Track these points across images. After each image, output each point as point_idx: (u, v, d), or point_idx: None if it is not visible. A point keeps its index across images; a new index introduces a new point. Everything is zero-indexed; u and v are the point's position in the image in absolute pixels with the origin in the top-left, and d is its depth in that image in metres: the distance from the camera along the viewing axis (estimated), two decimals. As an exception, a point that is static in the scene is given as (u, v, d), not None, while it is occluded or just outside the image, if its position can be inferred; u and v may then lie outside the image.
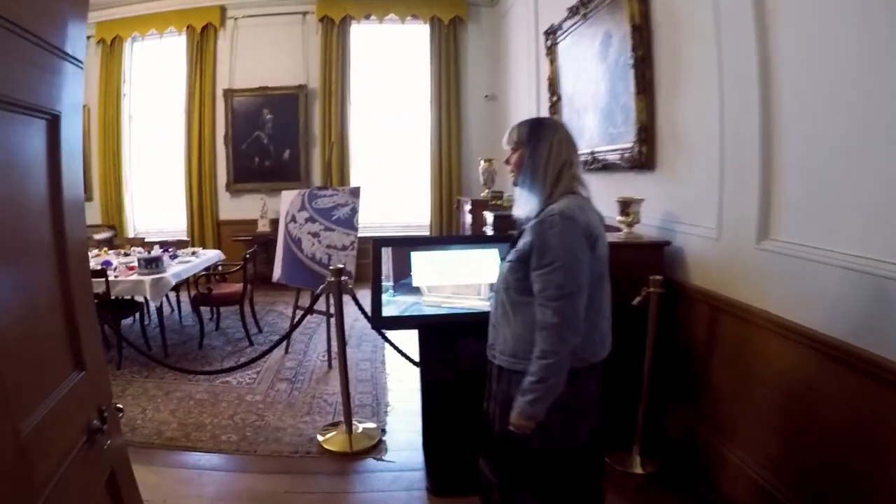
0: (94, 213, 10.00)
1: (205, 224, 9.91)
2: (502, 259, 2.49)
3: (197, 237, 9.86)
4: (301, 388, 5.20)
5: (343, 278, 3.76)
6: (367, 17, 9.70)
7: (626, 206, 4.17)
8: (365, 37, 9.98)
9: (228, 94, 9.75)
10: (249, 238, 9.31)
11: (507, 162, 2.49)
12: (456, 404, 3.36)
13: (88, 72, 9.00)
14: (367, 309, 3.53)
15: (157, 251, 6.86)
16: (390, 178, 10.24)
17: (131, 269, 5.97)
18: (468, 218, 7.99)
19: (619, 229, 4.22)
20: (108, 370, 5.51)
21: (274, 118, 9.80)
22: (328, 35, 9.57)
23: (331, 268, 3.82)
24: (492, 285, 3.27)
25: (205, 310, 6.77)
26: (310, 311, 4.19)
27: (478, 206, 7.71)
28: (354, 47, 9.83)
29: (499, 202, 7.09)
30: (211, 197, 9.87)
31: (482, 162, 8.48)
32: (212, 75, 9.76)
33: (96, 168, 10.01)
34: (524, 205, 2.45)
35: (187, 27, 9.68)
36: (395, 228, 10.11)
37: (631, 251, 3.96)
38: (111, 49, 9.77)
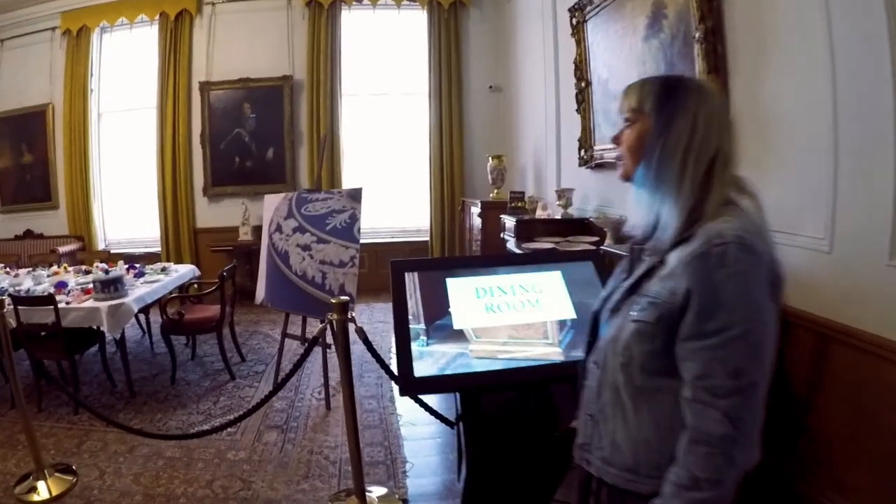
0: (59, 223, 9.23)
1: (180, 233, 8.96)
2: (611, 307, 1.58)
3: (172, 247, 8.93)
4: (295, 440, 4.23)
5: (350, 314, 2.79)
6: (360, 1, 8.77)
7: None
8: (357, 23, 9.02)
9: (205, 87, 8.80)
10: (230, 248, 8.41)
11: (617, 141, 1.58)
12: (511, 481, 2.47)
13: (53, 66, 8.19)
14: (381, 348, 2.65)
15: (119, 268, 5.94)
16: (385, 178, 9.23)
17: (88, 292, 5.02)
18: (476, 222, 7.10)
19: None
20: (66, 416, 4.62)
21: (256, 113, 8.82)
22: (316, 21, 8.63)
23: (332, 300, 2.82)
24: (565, 327, 2.40)
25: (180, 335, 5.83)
26: (308, 353, 3.20)
27: (489, 209, 6.83)
28: (345, 35, 8.87)
29: (520, 204, 6.18)
30: (186, 202, 8.92)
31: (490, 159, 7.62)
32: (187, 67, 8.83)
33: (61, 172, 9.15)
34: (642, 214, 1.56)
35: (160, 14, 8.74)
36: (391, 233, 9.25)
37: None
38: (77, 40, 8.86)
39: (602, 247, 3.76)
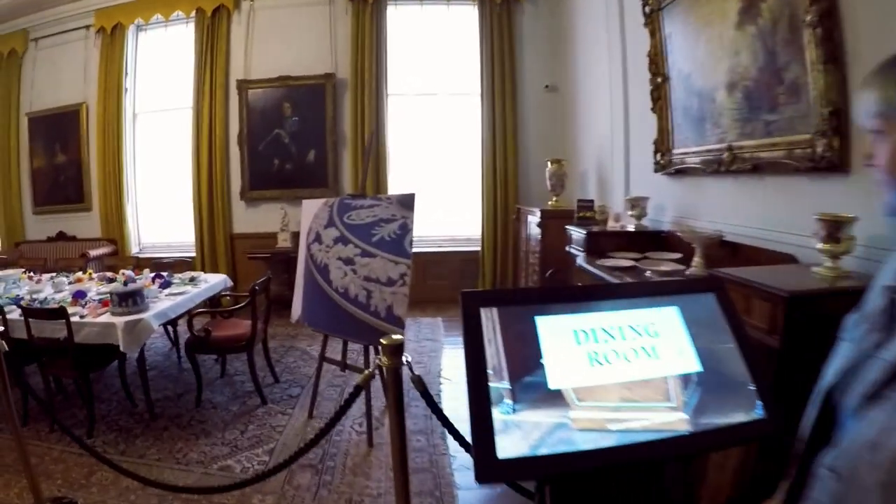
0: (93, 225, 9.08)
1: (216, 238, 8.54)
2: (865, 391, 1.12)
3: (207, 253, 8.52)
4: (332, 484, 3.64)
5: (405, 359, 2.17)
6: (407, -4, 8.27)
7: (835, 228, 2.71)
8: (403, 19, 8.50)
9: (243, 85, 8.36)
10: (267, 255, 7.96)
11: (872, 161, 1.16)
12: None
13: (87, 65, 8.65)
14: (430, 373, 2.03)
15: (145, 277, 5.47)
16: (434, 183, 8.62)
17: (107, 304, 4.53)
18: (535, 231, 6.52)
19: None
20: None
21: (297, 113, 8.33)
22: (360, 17, 8.12)
23: (383, 340, 2.17)
24: (689, 383, 1.79)
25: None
26: (349, 405, 2.55)
27: (550, 218, 6.25)
28: (391, 31, 8.35)
29: (589, 214, 5.54)
30: (223, 206, 8.49)
31: (549, 164, 7.03)
32: (224, 65, 8.42)
33: (95, 173, 8.95)
34: None
35: (196, 10, 8.38)
36: (439, 242, 8.67)
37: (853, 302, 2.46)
38: (112, 39, 8.63)
39: (720, 270, 3.12)
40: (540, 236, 6.30)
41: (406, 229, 3.90)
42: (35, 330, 4.25)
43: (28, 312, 4.20)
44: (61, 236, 9.22)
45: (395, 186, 8.26)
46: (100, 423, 4.49)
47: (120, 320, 4.19)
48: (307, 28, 8.35)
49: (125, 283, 4.75)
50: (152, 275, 5.67)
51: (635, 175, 5.69)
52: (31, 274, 6.19)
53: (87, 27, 8.75)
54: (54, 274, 6.14)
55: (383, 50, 8.26)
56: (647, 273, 3.88)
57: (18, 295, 5.06)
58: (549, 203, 6.87)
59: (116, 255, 8.48)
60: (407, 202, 4.05)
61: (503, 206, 8.25)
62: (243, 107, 8.37)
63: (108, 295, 4.53)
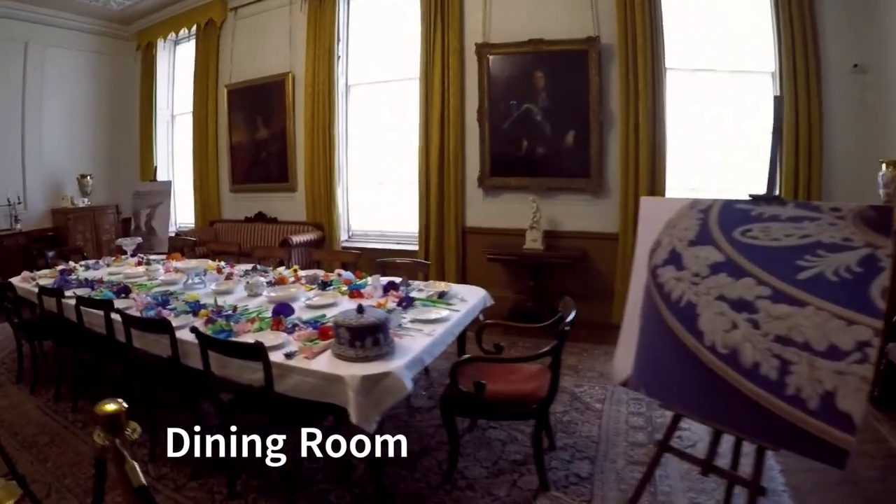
0: (296, 207, 8.44)
1: (445, 232, 7.18)
2: None
3: (433, 249, 7.22)
4: None
5: None
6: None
7: None
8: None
9: (483, 50, 6.84)
10: (513, 258, 6.51)
11: None
12: None
13: (293, 32, 8.28)
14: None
15: (369, 284, 3.98)
16: (713, 181, 6.60)
17: (326, 333, 3.01)
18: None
19: None
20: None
21: (552, 85, 6.61)
22: (629, -34, 6.31)
23: None
24: None
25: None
26: None
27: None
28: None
29: None
30: (455, 194, 7.09)
31: (884, 167, 5.04)
32: (458, 27, 7.02)
33: (301, 150, 8.27)
34: None
35: (421, -35, 7.16)
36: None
37: None
38: (321, 2, 7.85)
39: None
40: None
41: (875, 267, 2.04)
42: (216, 365, 2.89)
43: (206, 342, 2.83)
44: (260, 217, 8.59)
45: (672, 183, 6.41)
46: (301, 494, 3.06)
47: (353, 373, 2.58)
48: (563, -21, 6.69)
49: (360, 309, 2.88)
50: (384, 281, 4.09)
51: None
52: (221, 266, 5.06)
53: (296, -7, 8.07)
54: (249, 268, 4.96)
55: (658, 10, 6.37)
56: None
57: (199, 301, 3.78)
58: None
59: (321, 246, 7.52)
60: (877, 220, 2.14)
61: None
62: (484, 76, 6.86)
63: (333, 327, 2.94)
